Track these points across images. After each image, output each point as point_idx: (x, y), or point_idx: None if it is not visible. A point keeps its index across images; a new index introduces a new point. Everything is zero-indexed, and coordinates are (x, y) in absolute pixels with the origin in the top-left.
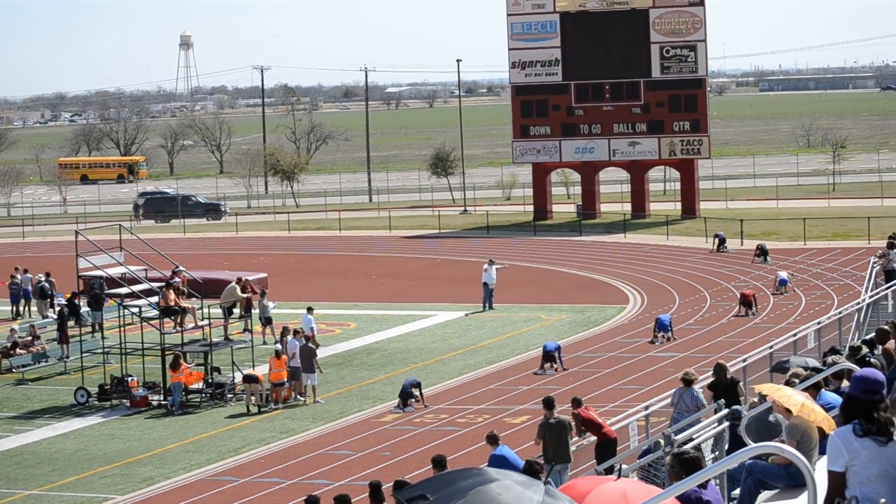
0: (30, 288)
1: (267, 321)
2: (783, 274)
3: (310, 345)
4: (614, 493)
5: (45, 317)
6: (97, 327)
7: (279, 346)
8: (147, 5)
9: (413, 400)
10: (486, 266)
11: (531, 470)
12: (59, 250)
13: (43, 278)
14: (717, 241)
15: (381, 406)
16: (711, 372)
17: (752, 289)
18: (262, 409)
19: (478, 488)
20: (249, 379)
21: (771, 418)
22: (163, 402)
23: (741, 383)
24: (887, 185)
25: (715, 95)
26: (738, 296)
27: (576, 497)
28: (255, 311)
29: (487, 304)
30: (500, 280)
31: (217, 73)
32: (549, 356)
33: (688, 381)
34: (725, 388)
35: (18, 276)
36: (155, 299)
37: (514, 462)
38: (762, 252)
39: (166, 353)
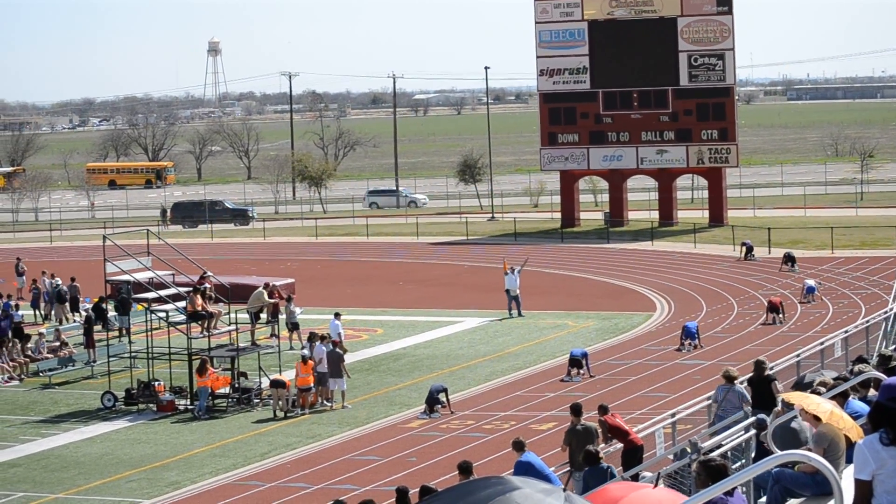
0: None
1: (294, 326)
2: (811, 282)
3: (337, 350)
4: (648, 501)
5: (61, 321)
6: (124, 332)
7: (306, 351)
8: (176, 12)
9: (440, 406)
10: (506, 272)
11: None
12: (87, 255)
13: (60, 282)
14: (744, 249)
15: (407, 412)
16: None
17: (780, 297)
18: (288, 415)
19: (497, 498)
20: (277, 384)
21: (794, 425)
22: (189, 407)
23: (776, 381)
24: None
25: (743, 104)
26: (766, 303)
27: (608, 502)
28: (282, 317)
29: (516, 312)
30: (527, 287)
31: (245, 80)
32: (575, 362)
33: (730, 378)
34: (760, 384)
35: (46, 280)
36: (182, 304)
37: (540, 469)
38: (790, 259)
39: (193, 357)
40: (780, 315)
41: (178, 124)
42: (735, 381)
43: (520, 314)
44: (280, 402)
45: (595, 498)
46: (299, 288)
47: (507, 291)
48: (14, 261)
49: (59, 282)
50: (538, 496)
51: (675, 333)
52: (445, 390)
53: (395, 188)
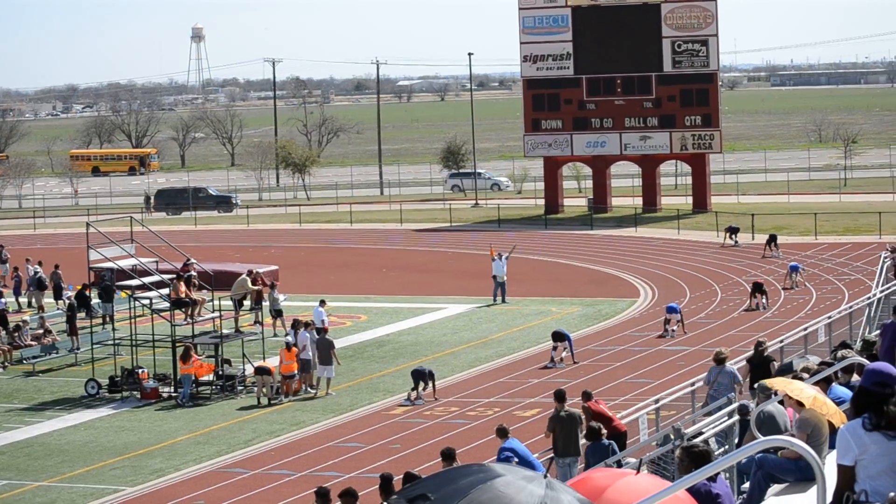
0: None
1: (277, 313)
2: (797, 265)
3: (327, 337)
4: (636, 488)
5: (41, 308)
6: (108, 319)
7: (290, 338)
8: None
9: (423, 386)
10: (494, 258)
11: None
12: (71, 242)
13: (39, 269)
14: (727, 233)
15: (391, 399)
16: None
17: (764, 280)
18: (272, 402)
19: (480, 486)
20: (261, 371)
21: (771, 409)
22: (173, 395)
23: (775, 361)
24: None
25: (726, 90)
26: (750, 286)
27: (593, 490)
28: (266, 304)
29: (501, 298)
30: (511, 273)
31: (229, 66)
32: (559, 336)
33: (720, 360)
34: (759, 365)
35: (30, 268)
36: (166, 291)
37: (524, 455)
38: (772, 240)
39: (177, 345)
40: (764, 299)
41: (162, 111)
42: (726, 363)
43: (504, 300)
44: (264, 389)
45: (578, 485)
46: (283, 275)
47: (494, 277)
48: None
49: (39, 269)
50: (520, 483)
51: (659, 319)
52: (433, 374)
53: (477, 171)
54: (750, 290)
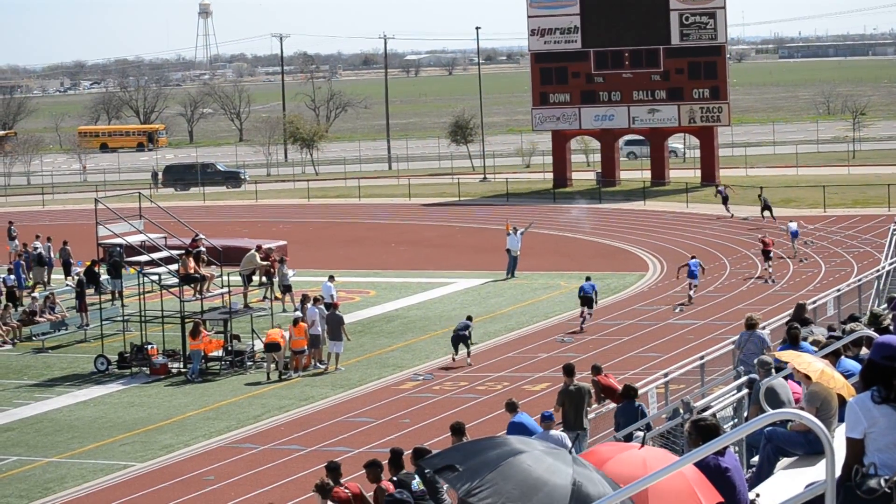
0: (51, 256)
1: (286, 289)
2: (793, 225)
3: (337, 313)
4: (635, 460)
5: (36, 285)
6: (117, 295)
7: (299, 313)
8: None
9: (465, 347)
10: (509, 232)
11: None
12: (79, 218)
13: (39, 245)
14: (720, 197)
15: (400, 373)
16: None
17: (770, 239)
18: (282, 377)
19: (508, 460)
20: (271, 347)
21: (774, 382)
22: (183, 370)
23: (813, 324)
24: None
25: (734, 63)
26: (760, 244)
27: (597, 462)
28: (275, 279)
29: (510, 272)
30: (521, 248)
31: (236, 42)
32: (587, 300)
33: (751, 325)
34: (800, 324)
35: (38, 245)
36: (174, 267)
37: (532, 429)
38: (766, 208)
39: (186, 320)
40: (768, 264)
41: (170, 87)
42: (756, 328)
43: (513, 275)
44: (273, 365)
45: (584, 457)
46: (292, 250)
47: (508, 251)
48: (6, 225)
49: (38, 245)
50: (547, 459)
51: (666, 294)
52: (469, 329)
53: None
54: (761, 246)
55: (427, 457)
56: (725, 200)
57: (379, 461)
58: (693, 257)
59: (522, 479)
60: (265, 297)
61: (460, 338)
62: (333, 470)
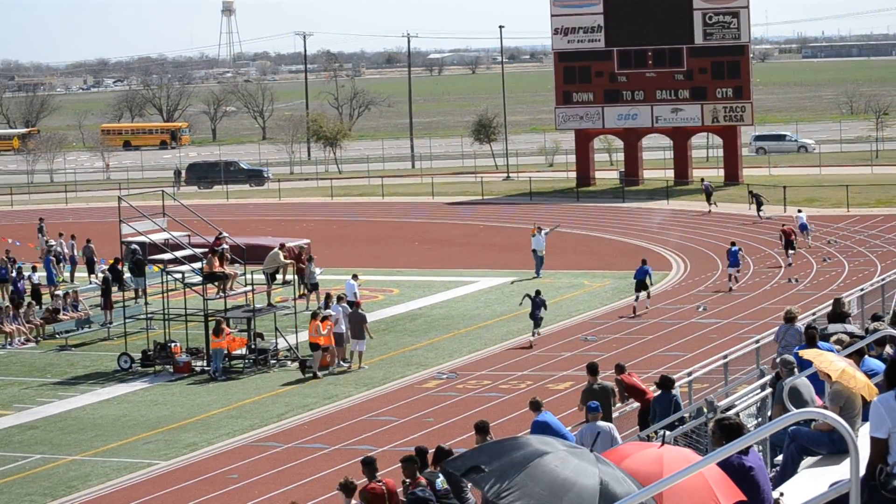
0: (75, 254)
1: (313, 287)
2: (803, 216)
3: (360, 311)
4: (652, 458)
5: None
6: (140, 293)
7: (330, 311)
8: None
9: (645, 292)
10: (533, 231)
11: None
12: (102, 216)
13: (53, 243)
14: (753, 200)
15: (424, 372)
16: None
17: (790, 227)
18: (322, 374)
19: (535, 461)
20: (315, 347)
21: (797, 382)
22: (206, 368)
23: (850, 318)
24: None
25: (758, 62)
26: (780, 233)
27: (616, 460)
28: (291, 277)
29: (536, 272)
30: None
31: (259, 40)
32: (641, 285)
33: (789, 318)
34: (837, 319)
35: (52, 242)
36: (198, 265)
37: (556, 428)
38: (759, 204)
39: (209, 318)
40: (789, 253)
41: (193, 85)
42: (795, 322)
43: (538, 274)
44: (317, 364)
45: (607, 455)
46: (315, 248)
47: (534, 251)
48: (36, 222)
49: (52, 242)
50: (573, 460)
51: (692, 292)
52: (649, 273)
53: (783, 133)
54: (781, 235)
55: (452, 458)
56: (709, 196)
57: (415, 457)
58: (733, 244)
59: (551, 481)
60: (302, 296)
61: (643, 285)
62: (369, 465)
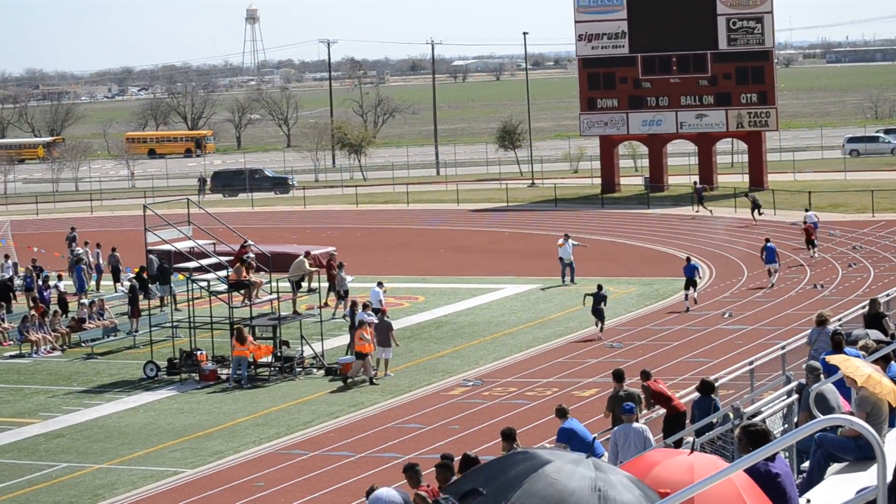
0: (101, 262)
1: (344, 294)
2: (811, 215)
3: (386, 319)
4: (682, 466)
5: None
6: (165, 301)
7: (373, 317)
8: None
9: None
10: (560, 241)
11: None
12: (127, 225)
13: (80, 251)
14: (751, 204)
15: (450, 379)
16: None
17: (809, 225)
18: (373, 381)
19: (531, 476)
20: (360, 356)
21: (823, 388)
22: (245, 375)
23: (888, 317)
24: None
25: (782, 67)
26: (803, 231)
27: (643, 468)
28: (316, 285)
29: (569, 279)
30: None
31: (283, 47)
32: (691, 283)
33: (821, 321)
34: (873, 319)
35: (81, 250)
36: (224, 273)
37: (582, 435)
38: (756, 206)
39: (234, 326)
40: (814, 251)
41: (217, 93)
42: (826, 325)
43: (573, 281)
44: (363, 370)
45: (633, 463)
46: (340, 256)
47: (561, 259)
48: (64, 231)
49: (80, 251)
50: (569, 467)
51: (716, 298)
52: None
53: (875, 135)
54: (804, 233)
55: (450, 483)
56: (702, 199)
57: (451, 464)
58: (768, 241)
59: (548, 495)
60: (326, 304)
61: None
62: (412, 469)
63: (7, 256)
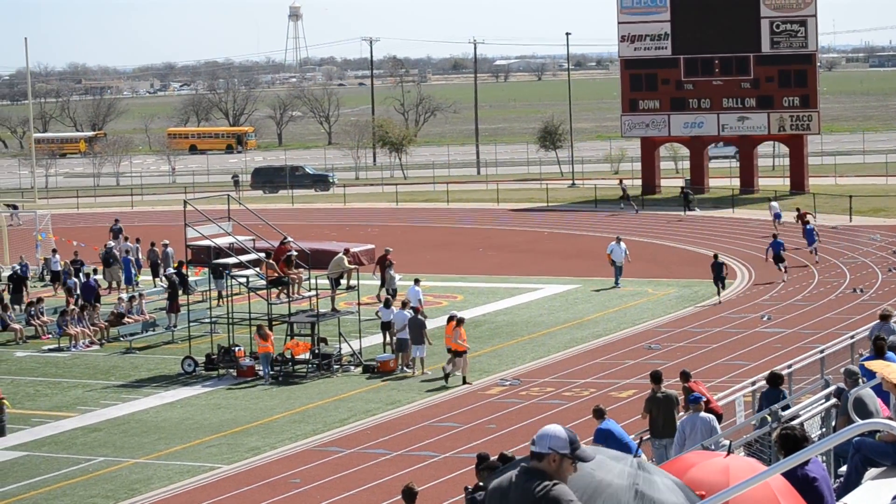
0: (140, 257)
1: (394, 293)
2: (776, 205)
3: (419, 317)
4: (718, 468)
5: (110, 285)
6: (220, 295)
7: (404, 315)
8: None
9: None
10: (612, 244)
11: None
12: (168, 220)
13: (112, 245)
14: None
15: (487, 378)
16: None
17: (805, 209)
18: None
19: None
20: (457, 354)
21: (862, 392)
22: (270, 373)
23: None
24: None
25: (825, 71)
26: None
27: (680, 469)
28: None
29: (615, 280)
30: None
31: (326, 45)
32: (779, 258)
33: (884, 317)
34: None
35: (113, 244)
36: (262, 270)
37: (619, 436)
38: (686, 199)
39: (273, 323)
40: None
41: (259, 89)
42: (889, 320)
43: (616, 284)
44: (465, 369)
45: (671, 464)
46: (380, 254)
47: (613, 262)
48: (105, 224)
49: (112, 244)
50: (609, 462)
51: (755, 302)
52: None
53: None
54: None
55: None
56: (688, 203)
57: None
58: (807, 223)
59: (585, 483)
60: (388, 293)
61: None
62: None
63: (55, 251)
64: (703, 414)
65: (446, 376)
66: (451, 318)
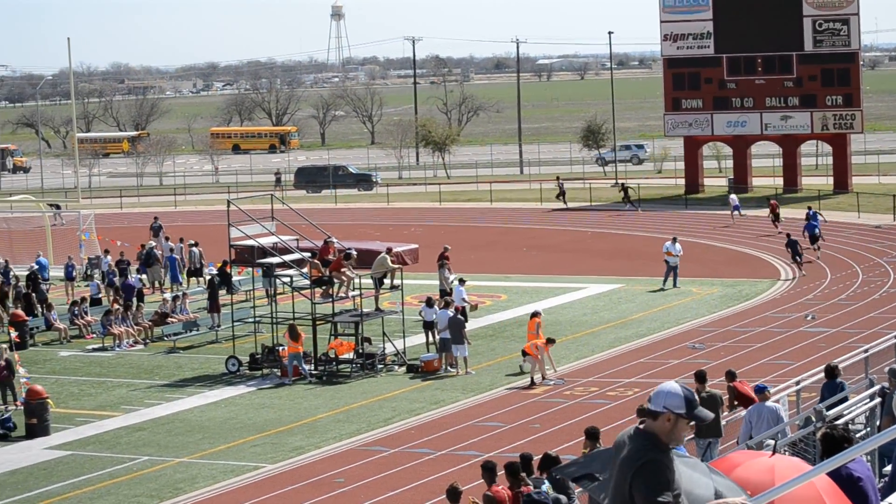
0: (183, 257)
1: (446, 293)
2: (734, 198)
3: (459, 316)
4: (763, 467)
5: (153, 285)
6: (268, 294)
7: (443, 314)
8: None
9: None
10: (667, 244)
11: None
12: (211, 219)
13: (153, 244)
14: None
15: (530, 378)
16: None
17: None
18: (534, 380)
19: None
20: (526, 353)
21: None
22: (313, 372)
23: None
24: None
25: (867, 69)
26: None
27: (728, 469)
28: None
29: (672, 282)
30: (653, 254)
31: (369, 44)
32: (815, 238)
33: None
34: None
35: (154, 243)
36: (306, 270)
37: None
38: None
39: (317, 322)
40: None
41: (302, 89)
42: None
43: (675, 285)
44: (536, 367)
45: (718, 464)
46: (423, 254)
47: (667, 261)
48: (146, 223)
49: (153, 244)
50: (684, 469)
51: (799, 301)
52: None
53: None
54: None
55: (562, 465)
56: (628, 198)
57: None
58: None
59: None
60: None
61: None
62: (490, 470)
63: (107, 251)
64: (769, 403)
65: (542, 375)
66: (534, 315)
